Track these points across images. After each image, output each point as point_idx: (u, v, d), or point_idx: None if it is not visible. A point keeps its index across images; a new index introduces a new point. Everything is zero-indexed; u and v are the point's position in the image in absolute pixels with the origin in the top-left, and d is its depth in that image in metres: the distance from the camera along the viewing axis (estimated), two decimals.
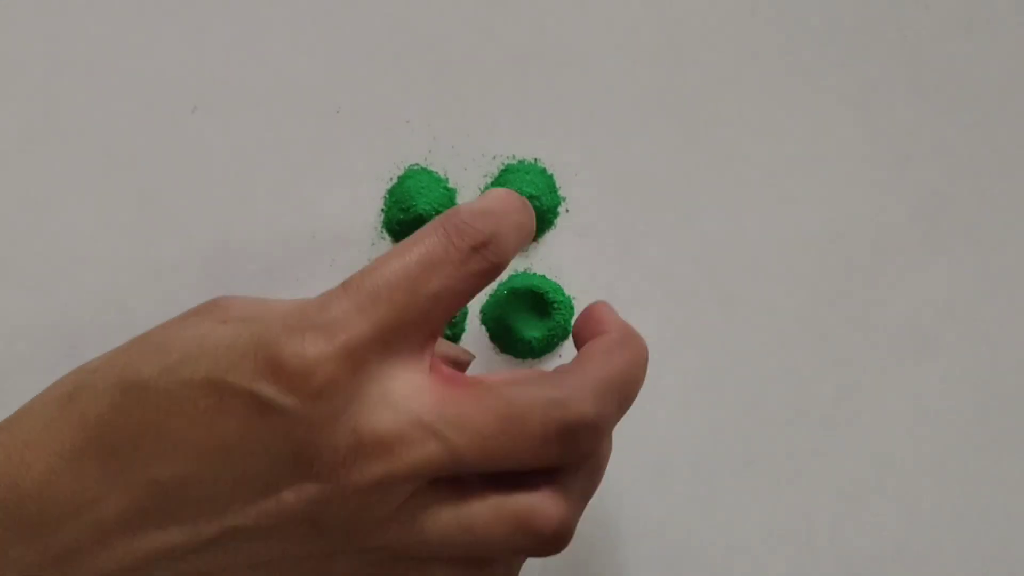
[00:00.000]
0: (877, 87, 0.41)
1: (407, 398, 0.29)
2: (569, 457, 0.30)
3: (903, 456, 0.41)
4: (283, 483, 0.29)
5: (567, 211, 0.40)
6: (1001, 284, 0.41)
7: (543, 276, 0.40)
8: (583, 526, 0.40)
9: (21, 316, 0.39)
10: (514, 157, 0.40)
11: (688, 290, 0.40)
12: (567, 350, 0.40)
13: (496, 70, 0.40)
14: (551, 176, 0.40)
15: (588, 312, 0.34)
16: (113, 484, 0.29)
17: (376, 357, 0.29)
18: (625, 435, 0.40)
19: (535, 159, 0.40)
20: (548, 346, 0.40)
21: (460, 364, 0.37)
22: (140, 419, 0.29)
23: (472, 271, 0.30)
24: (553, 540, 0.30)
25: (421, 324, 0.30)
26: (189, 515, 0.29)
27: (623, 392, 0.31)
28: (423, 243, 0.30)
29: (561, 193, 0.40)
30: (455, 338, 0.40)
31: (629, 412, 0.40)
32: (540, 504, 0.29)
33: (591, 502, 0.39)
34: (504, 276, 0.40)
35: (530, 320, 0.40)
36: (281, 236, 0.40)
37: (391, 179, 0.40)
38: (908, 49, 0.41)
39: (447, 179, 0.40)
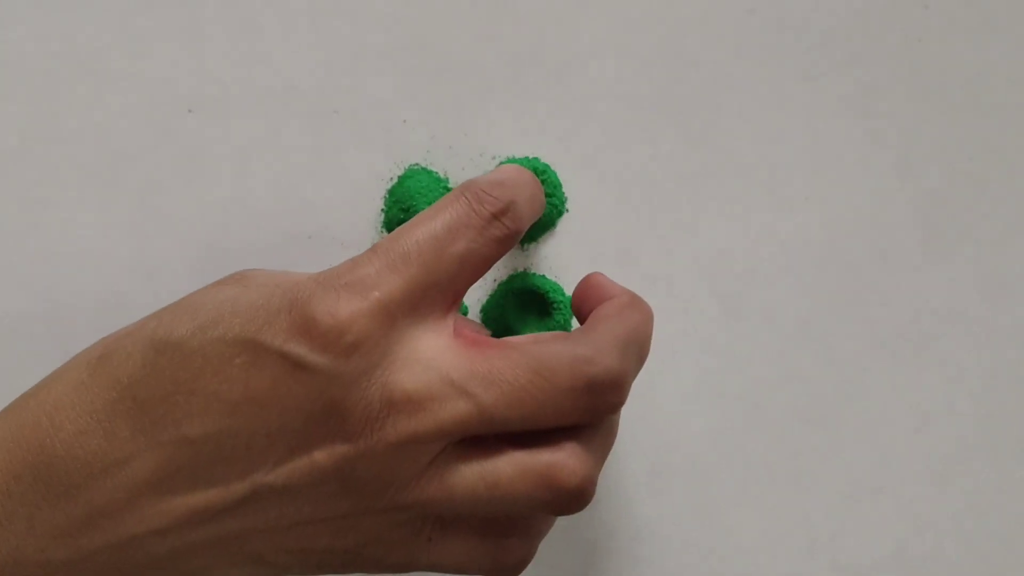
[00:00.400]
0: (878, 89, 0.41)
1: (436, 357, 0.30)
2: (595, 412, 0.30)
3: (903, 458, 0.41)
4: (315, 441, 0.29)
5: (567, 211, 0.40)
6: (1001, 287, 0.41)
7: (543, 276, 0.40)
8: (583, 527, 0.40)
9: (20, 315, 0.39)
10: (514, 157, 0.40)
11: (688, 291, 0.40)
12: None
13: (495, 70, 0.40)
14: (555, 173, 0.40)
15: (588, 282, 0.35)
16: (145, 443, 0.29)
17: (406, 317, 0.30)
18: (625, 436, 0.40)
19: (532, 157, 0.40)
20: None
21: None
22: (172, 377, 0.29)
23: (494, 236, 0.31)
24: (576, 495, 0.30)
25: (447, 286, 0.31)
26: (220, 474, 0.29)
27: (640, 349, 0.32)
28: (447, 210, 0.31)
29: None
30: None
31: (629, 412, 0.40)
32: (563, 460, 0.30)
33: (592, 503, 0.39)
34: (504, 276, 0.40)
35: (530, 320, 0.40)
36: (280, 237, 0.40)
37: (391, 179, 0.40)
38: (908, 51, 0.41)
39: (447, 179, 0.40)
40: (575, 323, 0.40)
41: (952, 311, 0.41)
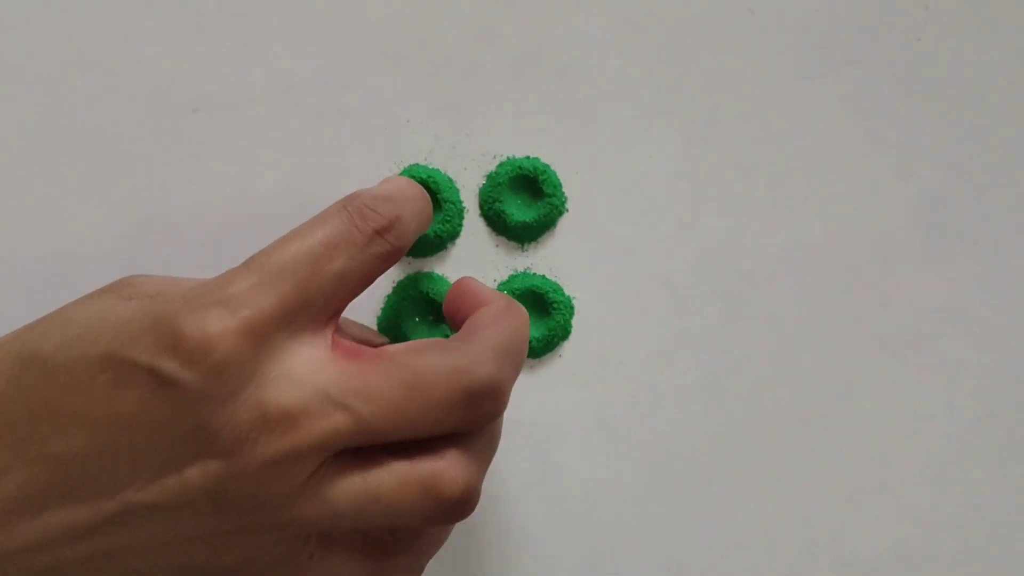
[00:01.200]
0: (878, 89, 0.41)
1: (311, 372, 0.29)
2: (474, 421, 0.30)
3: (903, 458, 0.41)
4: (186, 460, 0.28)
5: (567, 211, 0.40)
6: (1001, 288, 0.41)
7: (543, 276, 0.40)
8: (583, 527, 0.40)
9: (20, 315, 0.39)
10: (514, 157, 0.40)
11: (688, 290, 0.40)
12: (567, 350, 0.40)
13: (496, 70, 0.40)
14: (555, 173, 0.40)
15: (461, 287, 0.34)
16: (12, 460, 0.29)
17: (279, 333, 0.29)
18: (625, 436, 0.40)
19: (532, 157, 0.40)
20: (548, 346, 0.40)
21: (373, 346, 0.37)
22: (38, 394, 0.29)
23: (375, 253, 0.30)
24: (460, 503, 0.30)
25: (324, 302, 0.30)
26: (89, 492, 0.29)
27: (517, 355, 0.31)
28: (327, 224, 0.30)
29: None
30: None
31: (629, 412, 0.40)
32: (445, 469, 0.30)
33: (592, 504, 0.39)
34: (504, 276, 0.40)
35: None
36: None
37: None
38: (908, 51, 0.41)
39: (448, 178, 0.40)
40: (574, 323, 0.40)
41: (952, 311, 0.41)
